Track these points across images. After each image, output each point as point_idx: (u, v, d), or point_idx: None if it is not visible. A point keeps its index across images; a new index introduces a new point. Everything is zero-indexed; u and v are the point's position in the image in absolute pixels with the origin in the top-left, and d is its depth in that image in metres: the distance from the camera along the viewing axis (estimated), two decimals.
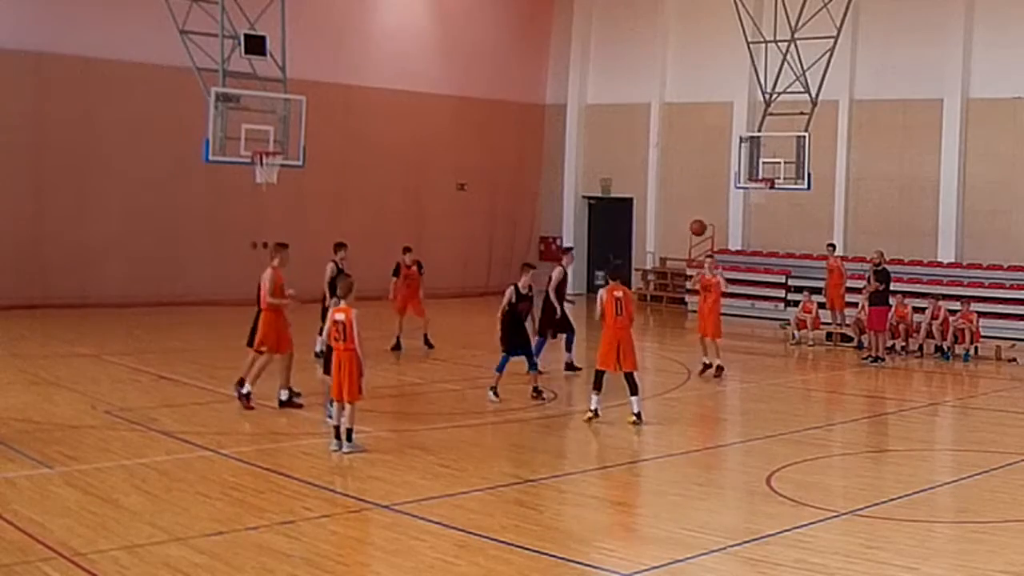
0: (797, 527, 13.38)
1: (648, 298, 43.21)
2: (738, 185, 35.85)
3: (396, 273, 28.56)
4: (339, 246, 24.50)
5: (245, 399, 20.14)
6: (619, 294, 19.84)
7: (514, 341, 21.71)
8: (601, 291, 20.24)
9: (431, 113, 42.48)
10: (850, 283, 32.06)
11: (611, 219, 45.28)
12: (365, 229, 40.19)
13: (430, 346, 28.23)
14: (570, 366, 25.44)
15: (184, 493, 14.45)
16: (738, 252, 41.03)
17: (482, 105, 43.88)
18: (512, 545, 12.54)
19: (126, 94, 34.39)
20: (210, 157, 26.35)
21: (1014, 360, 29.19)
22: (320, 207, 38.85)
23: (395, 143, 41.21)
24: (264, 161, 26.65)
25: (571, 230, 46.08)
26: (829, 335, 31.98)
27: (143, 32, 32.57)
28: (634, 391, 19.68)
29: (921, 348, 29.82)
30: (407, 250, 28.86)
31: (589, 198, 46.35)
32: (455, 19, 43.50)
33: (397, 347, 27.78)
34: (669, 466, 17.39)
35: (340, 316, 16.89)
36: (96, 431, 18.07)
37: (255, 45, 26.69)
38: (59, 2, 33.32)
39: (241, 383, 20.25)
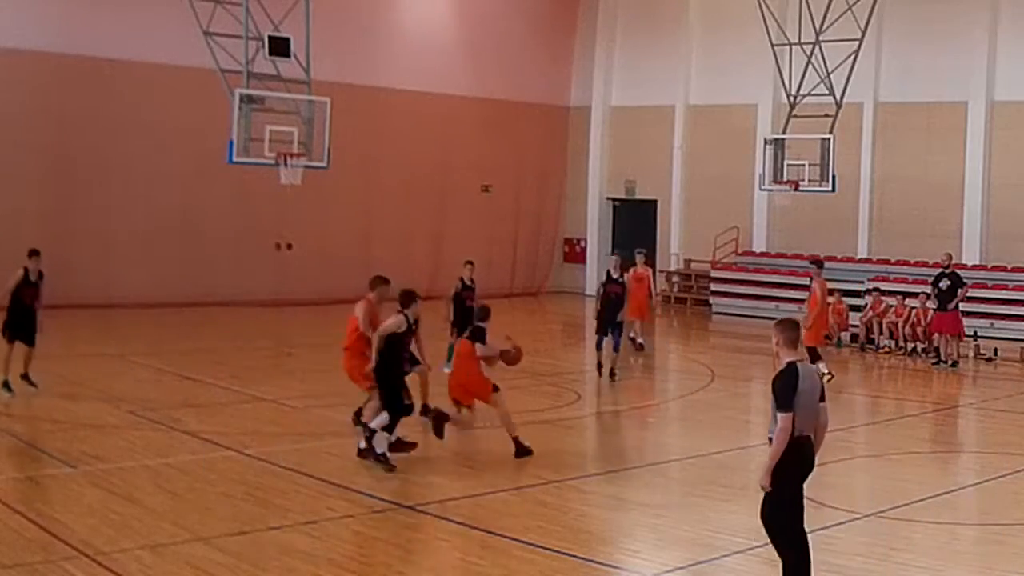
0: (820, 529, 13.32)
1: (672, 300, 43.22)
2: (763, 187, 35.77)
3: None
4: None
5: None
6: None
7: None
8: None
9: (455, 115, 42.47)
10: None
11: (635, 221, 45.21)
12: (389, 230, 40.28)
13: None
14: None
15: (207, 493, 14.49)
16: (763, 254, 41.00)
17: (506, 107, 43.87)
18: (536, 546, 12.54)
19: (150, 95, 34.46)
20: (234, 158, 26.43)
21: None
22: (344, 208, 38.90)
23: (419, 145, 41.23)
24: (288, 162, 26.69)
25: (595, 232, 46.09)
26: (854, 336, 31.87)
27: (167, 34, 32.67)
28: None
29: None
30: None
31: (613, 200, 46.33)
32: (480, 21, 43.49)
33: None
34: (693, 467, 17.36)
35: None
36: (119, 431, 18.12)
37: (279, 46, 26.72)
38: (83, 4, 33.43)
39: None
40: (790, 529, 10.70)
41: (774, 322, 11.22)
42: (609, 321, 24.58)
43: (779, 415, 10.53)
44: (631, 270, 30.04)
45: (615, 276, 25.23)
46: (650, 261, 31.49)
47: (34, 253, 21.38)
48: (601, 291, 25.21)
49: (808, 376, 10.72)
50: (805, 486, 10.71)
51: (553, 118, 46.23)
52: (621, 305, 25.05)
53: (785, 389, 10.57)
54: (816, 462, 10.72)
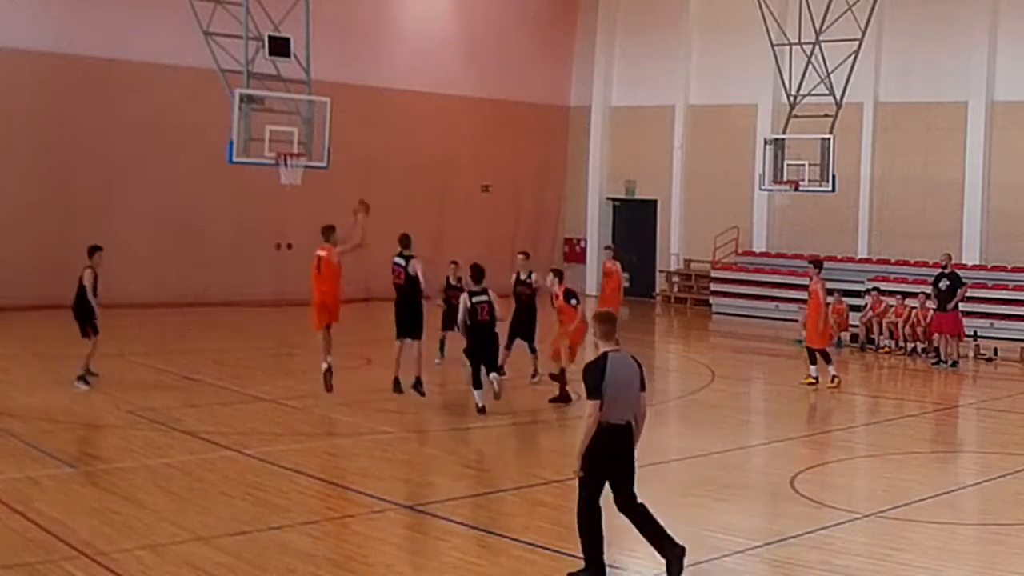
0: (820, 529, 13.35)
1: (672, 300, 43.23)
2: (763, 187, 35.76)
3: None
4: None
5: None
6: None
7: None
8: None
9: (456, 115, 42.47)
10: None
11: (635, 221, 45.24)
12: (389, 230, 40.17)
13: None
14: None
15: (207, 493, 14.47)
16: (763, 254, 41.01)
17: (507, 107, 43.87)
18: (535, 546, 12.54)
19: (150, 95, 34.47)
20: (234, 158, 26.39)
21: None
22: (344, 208, 38.75)
23: (420, 145, 41.21)
24: (288, 162, 26.65)
25: (595, 232, 46.08)
26: (854, 336, 31.86)
27: (167, 34, 32.71)
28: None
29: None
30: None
31: (613, 200, 46.33)
32: (480, 21, 43.49)
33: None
34: (692, 467, 17.35)
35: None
36: (119, 431, 18.12)
37: (279, 47, 26.67)
38: (83, 4, 33.46)
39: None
40: (586, 512, 11.29)
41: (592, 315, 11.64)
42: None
43: (587, 402, 10.87)
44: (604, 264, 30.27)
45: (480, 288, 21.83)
46: (618, 256, 31.06)
47: (98, 249, 22.86)
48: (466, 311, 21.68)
49: (621, 365, 11.04)
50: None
51: (553, 118, 46.22)
52: (493, 333, 21.13)
53: (593, 376, 10.88)
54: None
